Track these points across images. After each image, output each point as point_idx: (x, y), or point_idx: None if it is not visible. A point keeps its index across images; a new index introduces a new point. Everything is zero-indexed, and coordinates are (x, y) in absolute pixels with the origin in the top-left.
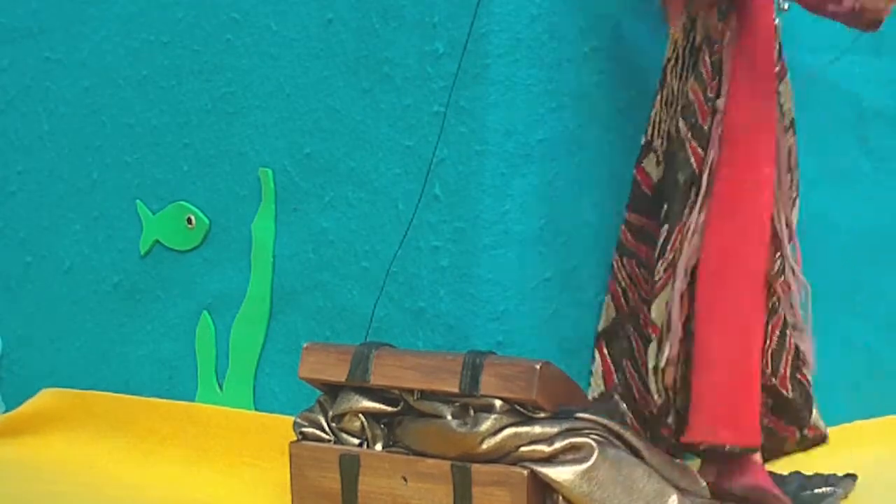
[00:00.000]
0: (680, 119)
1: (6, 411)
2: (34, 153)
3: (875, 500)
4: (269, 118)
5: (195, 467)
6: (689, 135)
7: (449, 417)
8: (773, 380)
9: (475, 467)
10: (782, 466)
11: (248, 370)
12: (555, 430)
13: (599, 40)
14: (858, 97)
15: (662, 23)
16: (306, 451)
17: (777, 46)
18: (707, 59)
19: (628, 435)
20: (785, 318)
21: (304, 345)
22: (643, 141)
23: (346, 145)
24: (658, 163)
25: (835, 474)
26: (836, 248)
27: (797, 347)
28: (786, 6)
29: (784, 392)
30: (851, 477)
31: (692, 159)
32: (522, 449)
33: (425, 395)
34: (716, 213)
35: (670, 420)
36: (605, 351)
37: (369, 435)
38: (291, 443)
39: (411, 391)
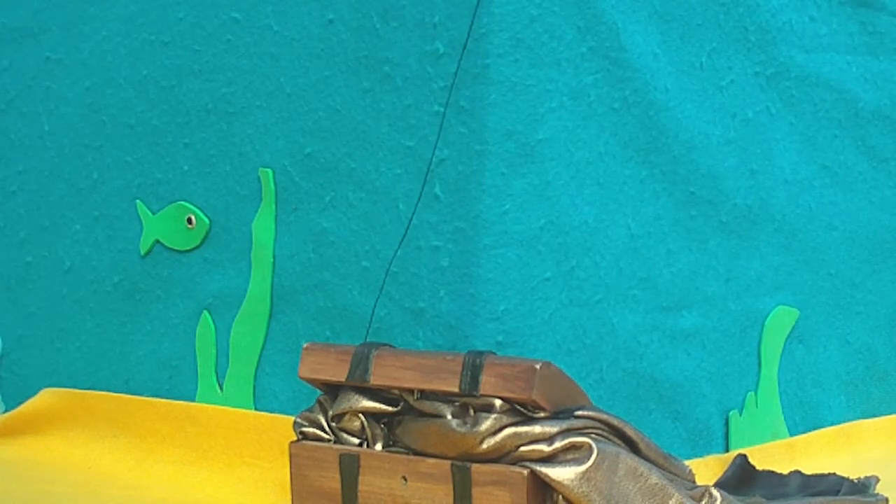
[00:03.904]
0: None
1: (6, 411)
2: (34, 153)
3: None
4: (270, 118)
5: (195, 467)
6: None
7: (449, 417)
8: None
9: (475, 467)
10: (783, 466)
11: (248, 370)
12: (555, 429)
13: (598, 40)
14: (856, 97)
15: (659, 22)
16: (306, 451)
17: None
18: None
19: (627, 428)
20: None
21: (304, 345)
22: None
23: (346, 145)
24: None
25: (834, 473)
26: (835, 248)
27: None
28: None
29: None
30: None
31: None
32: (522, 449)
33: (425, 394)
34: None
35: None
36: None
37: (369, 435)
38: (291, 443)
39: (411, 391)
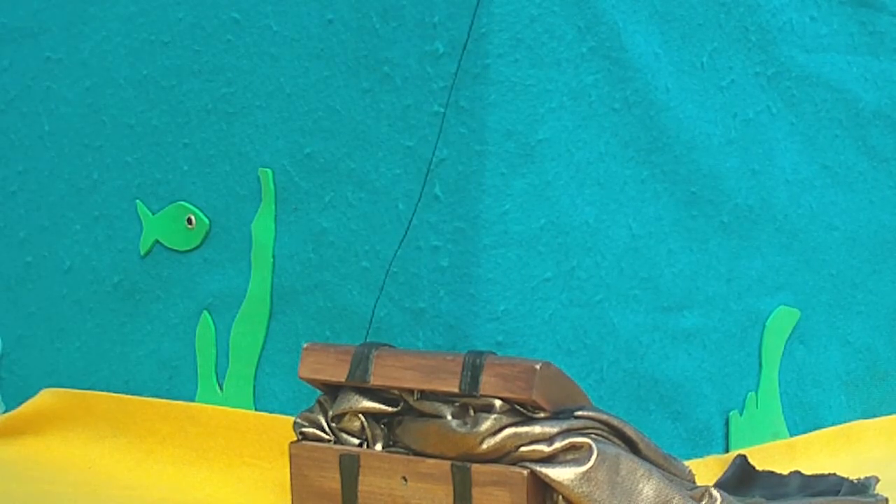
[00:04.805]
0: None
1: (6, 411)
2: (34, 153)
3: None
4: (270, 118)
5: (195, 467)
6: None
7: (449, 417)
8: None
9: (475, 467)
10: (783, 466)
11: (248, 370)
12: (555, 429)
13: (598, 40)
14: (857, 97)
15: (660, 22)
16: (306, 451)
17: None
18: None
19: (627, 428)
20: None
21: (304, 345)
22: None
23: (346, 145)
24: None
25: (835, 474)
26: (835, 248)
27: None
28: None
29: None
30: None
31: None
32: (522, 449)
33: (425, 395)
34: None
35: None
36: None
37: (369, 435)
38: (291, 443)
39: (411, 391)
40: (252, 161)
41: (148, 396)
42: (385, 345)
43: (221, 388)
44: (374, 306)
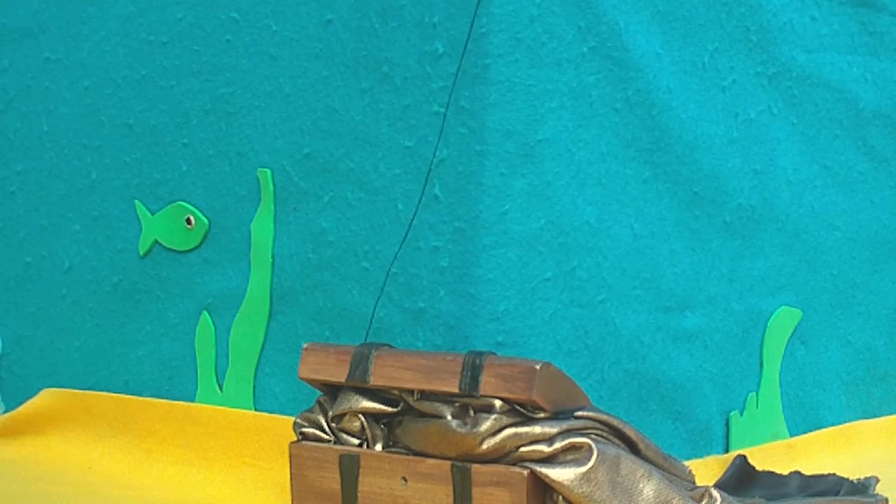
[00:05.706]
0: None
1: (6, 411)
2: (34, 153)
3: None
4: (269, 118)
5: (195, 467)
6: None
7: (449, 418)
8: None
9: (475, 467)
10: (783, 466)
11: (248, 370)
12: (555, 430)
13: (599, 40)
14: (857, 98)
15: (661, 22)
16: (306, 451)
17: None
18: None
19: (627, 429)
20: None
21: (304, 345)
22: None
23: (345, 145)
24: None
25: (834, 474)
26: (835, 248)
27: None
28: None
29: None
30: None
31: None
32: (522, 449)
33: (425, 395)
34: None
35: None
36: None
37: (369, 435)
38: (291, 443)
39: (411, 391)
40: (251, 161)
41: (148, 396)
42: (385, 345)
43: (221, 388)
44: (375, 307)
